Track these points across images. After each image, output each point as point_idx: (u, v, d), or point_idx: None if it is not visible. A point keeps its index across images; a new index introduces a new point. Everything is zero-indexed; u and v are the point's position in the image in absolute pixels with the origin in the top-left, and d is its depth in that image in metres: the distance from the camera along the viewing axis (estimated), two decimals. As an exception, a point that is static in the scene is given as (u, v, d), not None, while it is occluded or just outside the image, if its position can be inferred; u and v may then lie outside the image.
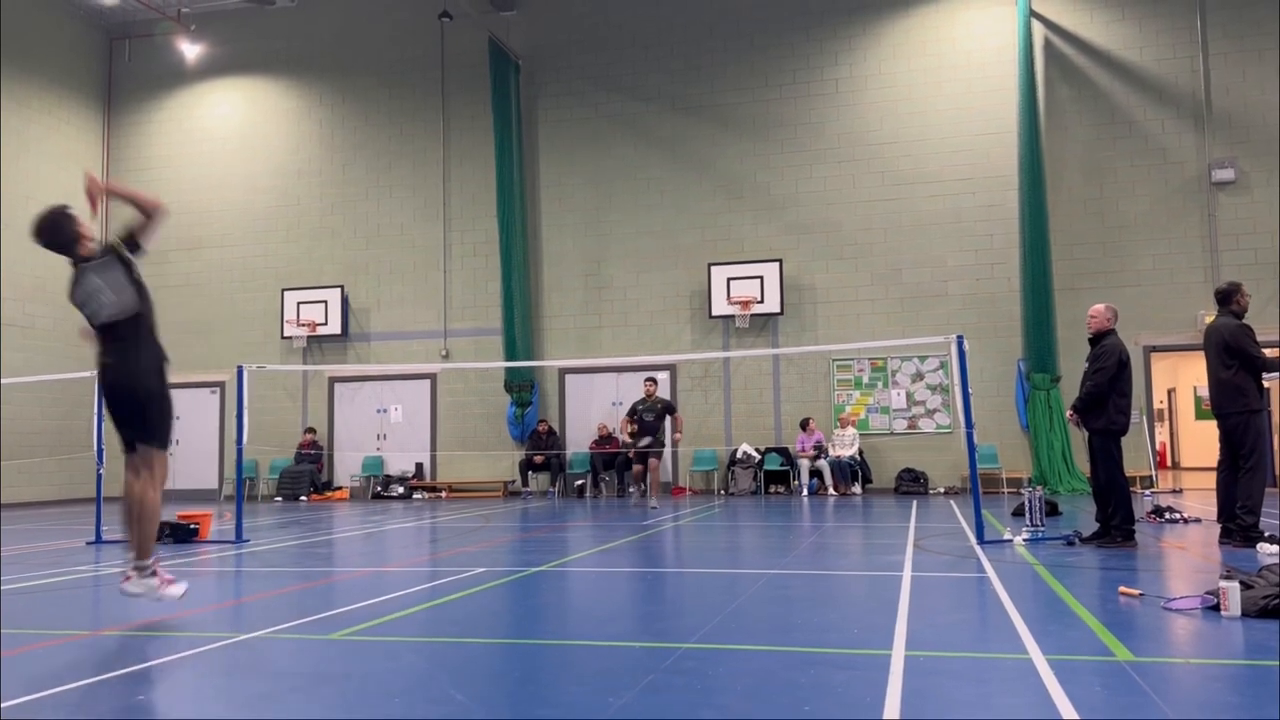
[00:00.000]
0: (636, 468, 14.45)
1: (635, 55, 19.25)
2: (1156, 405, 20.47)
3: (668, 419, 14.26)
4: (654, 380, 14.88)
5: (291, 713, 3.52)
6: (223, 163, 21.18)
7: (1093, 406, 8.16)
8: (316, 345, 20.21)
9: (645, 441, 14.16)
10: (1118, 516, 7.98)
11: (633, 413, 14.38)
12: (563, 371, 18.99)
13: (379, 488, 19.17)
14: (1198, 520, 10.05)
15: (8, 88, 19.38)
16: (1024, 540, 8.29)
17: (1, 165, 19.12)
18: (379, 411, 19.96)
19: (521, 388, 18.79)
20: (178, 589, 5.22)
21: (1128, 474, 8.32)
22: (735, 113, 18.67)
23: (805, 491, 16.66)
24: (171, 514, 10.51)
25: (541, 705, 3.57)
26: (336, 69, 20.77)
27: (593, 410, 18.78)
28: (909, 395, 17.57)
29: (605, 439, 18.01)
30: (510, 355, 18.57)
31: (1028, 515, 8.75)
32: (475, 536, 10.36)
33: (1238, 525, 7.79)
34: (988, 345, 16.76)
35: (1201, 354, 8.29)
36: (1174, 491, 15.45)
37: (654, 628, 5.16)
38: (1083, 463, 15.29)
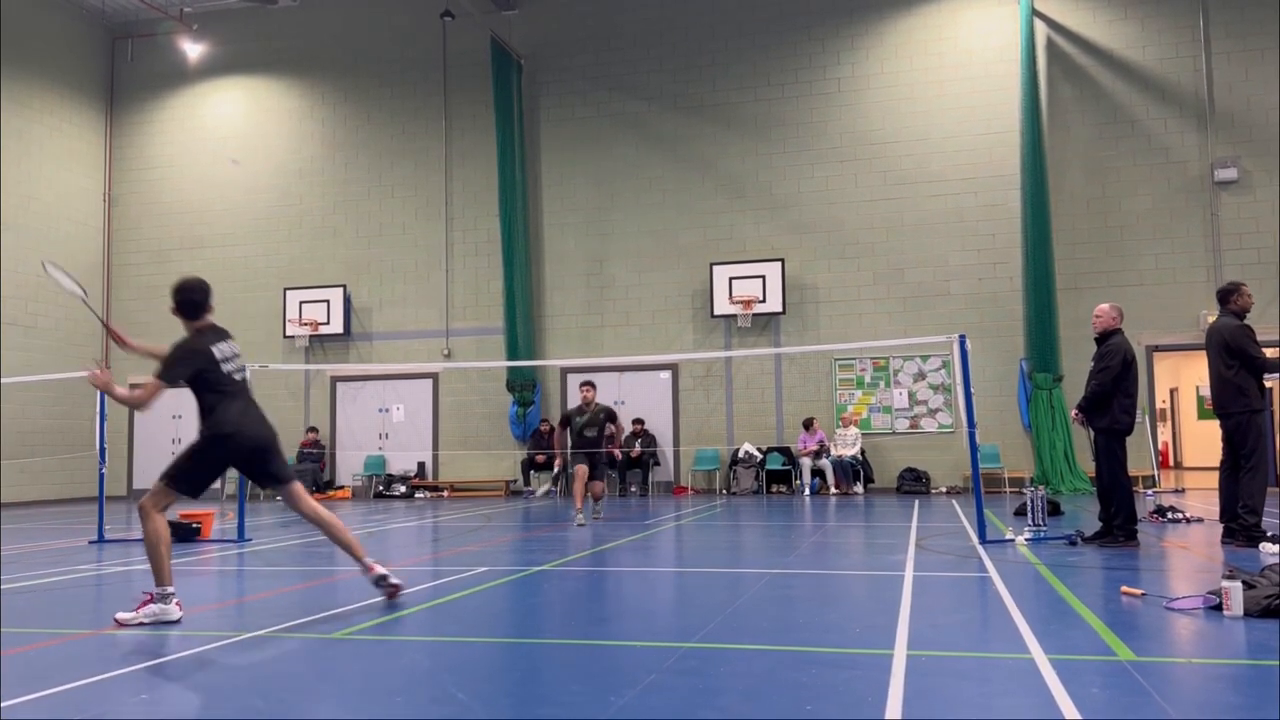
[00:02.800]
0: (579, 474, 11.61)
1: (637, 54, 19.25)
2: (1159, 405, 20.44)
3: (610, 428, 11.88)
4: (592, 385, 12.14)
5: (293, 712, 3.52)
6: (225, 162, 21.18)
7: (1097, 406, 8.15)
8: (319, 344, 20.22)
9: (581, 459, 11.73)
10: (1120, 516, 7.97)
11: (566, 423, 11.87)
12: (565, 371, 18.99)
13: (381, 487, 19.17)
14: (1200, 520, 10.04)
15: (9, 88, 19.40)
16: (1026, 540, 8.28)
17: (2, 166, 19.13)
18: (381, 411, 19.97)
19: (524, 387, 18.79)
20: None
21: (1131, 474, 8.31)
22: (737, 112, 18.65)
23: (807, 491, 16.65)
24: (173, 513, 10.52)
25: (543, 704, 3.57)
26: (339, 68, 20.78)
27: (594, 409, 18.72)
28: (911, 395, 17.56)
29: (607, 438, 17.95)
30: (512, 354, 18.58)
31: (1030, 515, 8.75)
32: (477, 536, 10.36)
33: (1240, 525, 7.78)
34: (990, 345, 16.74)
35: (1204, 353, 8.28)
36: (1176, 491, 15.43)
37: (655, 627, 5.16)
38: (1085, 462, 15.31)
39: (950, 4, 17.92)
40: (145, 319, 21.07)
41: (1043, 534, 8.49)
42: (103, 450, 10.35)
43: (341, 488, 19.58)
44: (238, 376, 5.62)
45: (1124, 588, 5.65)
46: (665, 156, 18.92)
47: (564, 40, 19.66)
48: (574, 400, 18.30)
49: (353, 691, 3.78)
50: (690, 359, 18.09)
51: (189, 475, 5.45)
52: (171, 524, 9.95)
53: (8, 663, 4.29)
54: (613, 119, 19.24)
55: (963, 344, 8.80)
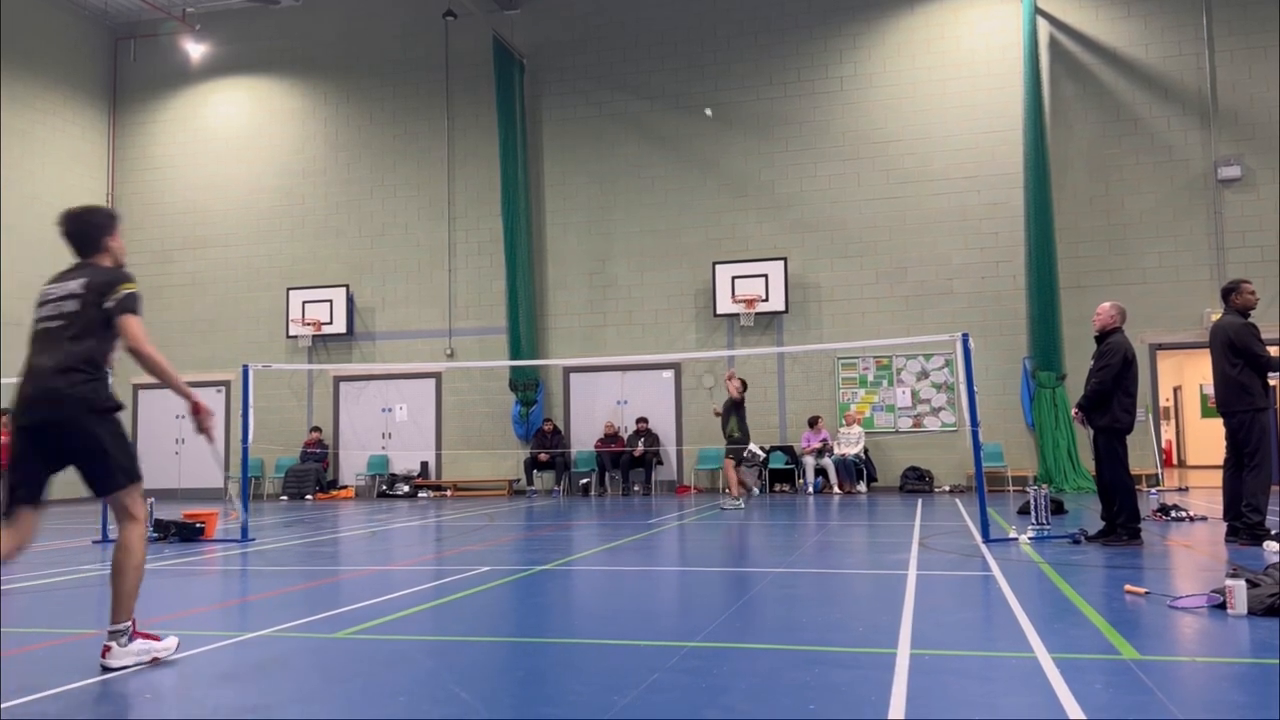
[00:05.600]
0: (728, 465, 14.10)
1: (639, 53, 19.24)
2: (1162, 403, 20.38)
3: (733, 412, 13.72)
4: (733, 375, 14.30)
5: (296, 712, 3.52)
6: (228, 162, 21.20)
7: (1098, 405, 8.13)
8: (322, 344, 20.23)
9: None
10: (1123, 515, 7.96)
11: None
12: (567, 370, 18.99)
13: (384, 486, 19.18)
14: (1203, 518, 10.02)
15: (12, 88, 19.42)
16: (1029, 538, 8.27)
17: (5, 166, 19.15)
18: (384, 410, 19.97)
19: (526, 386, 18.79)
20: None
21: (1133, 472, 8.30)
22: (739, 111, 18.64)
23: (810, 490, 16.64)
24: (177, 513, 10.53)
25: (546, 704, 3.57)
26: (341, 68, 20.78)
27: (597, 409, 18.78)
28: (914, 393, 17.54)
29: (610, 437, 18.00)
30: (515, 354, 18.58)
31: (1033, 513, 8.74)
32: (480, 535, 10.36)
33: (1244, 523, 7.76)
34: (993, 343, 16.73)
35: (1208, 351, 8.27)
36: (1180, 489, 15.41)
37: (658, 626, 5.15)
38: (1088, 461, 15.28)
39: (953, 2, 17.89)
40: (147, 319, 21.00)
41: (1046, 533, 8.48)
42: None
43: (345, 487, 19.59)
44: (40, 325, 4.22)
45: (1127, 586, 5.64)
46: (667, 156, 18.91)
47: (566, 40, 19.65)
48: (585, 399, 18.97)
49: (355, 691, 3.78)
50: (693, 358, 18.09)
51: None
52: (175, 524, 9.98)
53: (8, 663, 4.29)
54: (615, 118, 19.24)
55: (966, 342, 8.78)
